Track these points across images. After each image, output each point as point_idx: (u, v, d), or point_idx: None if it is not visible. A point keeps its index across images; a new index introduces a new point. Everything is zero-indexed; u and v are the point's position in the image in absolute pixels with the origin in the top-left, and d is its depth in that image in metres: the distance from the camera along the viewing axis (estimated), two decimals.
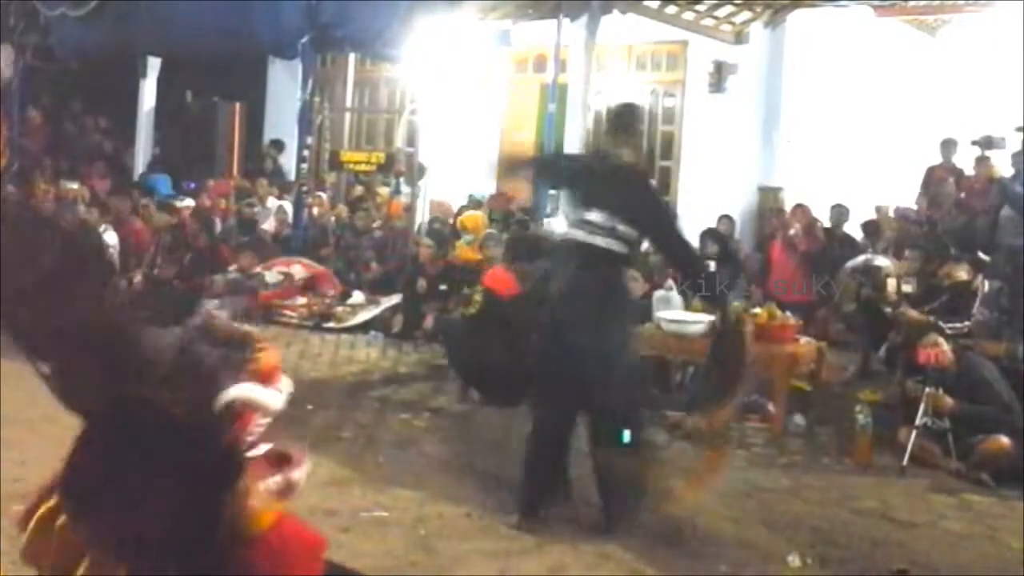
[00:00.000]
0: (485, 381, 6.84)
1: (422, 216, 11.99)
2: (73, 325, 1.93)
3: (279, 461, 2.25)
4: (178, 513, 1.95)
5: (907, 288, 7.99)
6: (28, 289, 1.95)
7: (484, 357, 6.63)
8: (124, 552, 2.00)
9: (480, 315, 6.85)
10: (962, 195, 10.73)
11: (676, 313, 7.35)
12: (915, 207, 10.91)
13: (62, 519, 2.10)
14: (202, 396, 1.96)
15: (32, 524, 2.20)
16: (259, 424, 2.22)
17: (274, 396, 2.22)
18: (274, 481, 2.24)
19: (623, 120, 5.07)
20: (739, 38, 12.10)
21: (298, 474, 2.24)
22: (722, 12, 11.75)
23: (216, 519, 1.97)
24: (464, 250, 10.11)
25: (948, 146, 11.07)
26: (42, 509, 2.20)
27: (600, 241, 4.71)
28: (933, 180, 11.07)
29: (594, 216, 4.72)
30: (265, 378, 2.19)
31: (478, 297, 6.96)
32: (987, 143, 10.15)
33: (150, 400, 1.92)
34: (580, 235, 4.77)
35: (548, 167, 5.40)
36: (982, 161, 10.45)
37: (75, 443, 2.11)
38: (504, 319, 6.66)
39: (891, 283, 8.12)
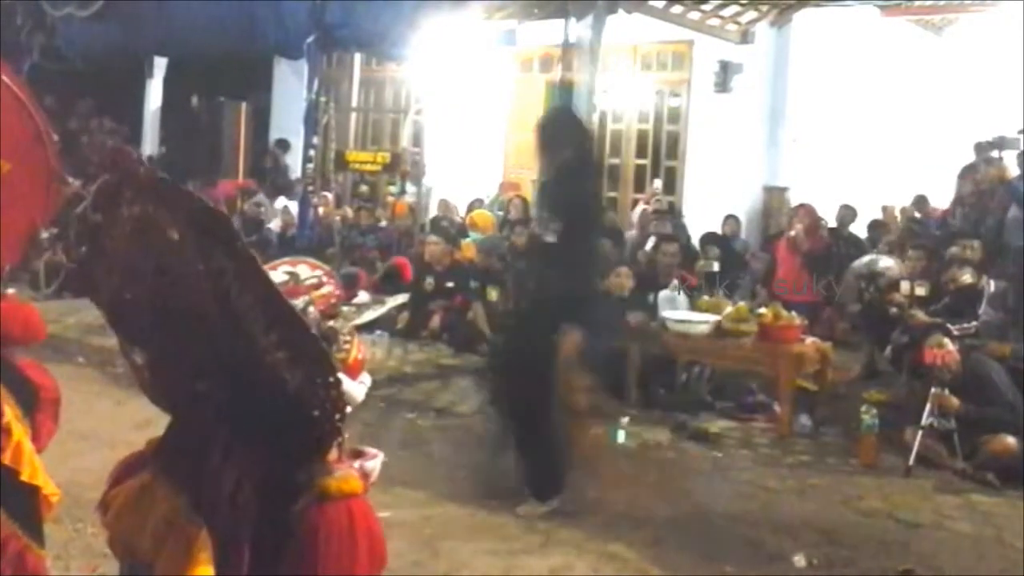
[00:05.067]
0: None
1: (427, 214, 12.01)
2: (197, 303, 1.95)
3: (355, 455, 2.39)
4: (266, 480, 2.08)
5: (920, 291, 7.96)
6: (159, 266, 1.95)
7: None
8: (211, 516, 2.09)
9: None
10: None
11: (681, 313, 7.35)
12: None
13: (160, 493, 2.16)
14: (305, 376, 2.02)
15: (121, 501, 2.25)
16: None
17: (358, 388, 2.35)
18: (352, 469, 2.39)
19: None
20: (745, 38, 12.09)
21: (372, 464, 2.37)
22: (728, 12, 11.74)
23: (298, 487, 2.10)
24: (471, 248, 10.12)
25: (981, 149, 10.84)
26: (130, 487, 2.25)
27: (549, 237, 4.99)
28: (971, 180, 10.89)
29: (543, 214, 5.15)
30: (351, 370, 2.31)
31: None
32: (1000, 143, 10.11)
33: (257, 374, 1.96)
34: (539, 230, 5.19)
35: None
36: (992, 161, 10.42)
37: (173, 420, 2.24)
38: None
39: (904, 286, 8.09)
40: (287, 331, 1.94)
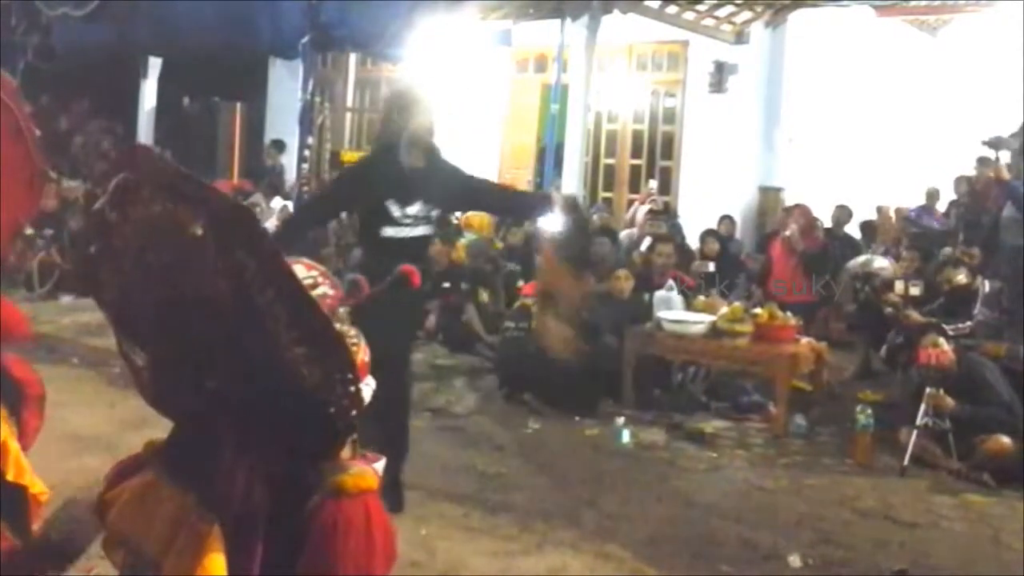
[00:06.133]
0: (560, 389, 6.94)
1: None
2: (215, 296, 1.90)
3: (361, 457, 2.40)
4: (279, 477, 2.07)
5: (915, 291, 7.97)
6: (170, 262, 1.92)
7: (557, 365, 6.82)
8: (223, 513, 2.08)
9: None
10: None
11: (677, 313, 7.35)
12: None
13: (166, 492, 2.14)
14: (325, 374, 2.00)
15: (125, 500, 2.22)
16: None
17: (364, 390, 2.35)
18: None
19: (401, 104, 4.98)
20: (740, 38, 12.11)
21: (375, 467, 2.36)
22: (723, 12, 11.76)
23: (311, 484, 2.09)
24: (460, 249, 10.11)
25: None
26: (134, 486, 2.23)
27: (421, 231, 4.89)
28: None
29: (414, 209, 4.85)
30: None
31: (535, 310, 7.13)
32: (997, 143, 10.12)
33: (274, 369, 1.93)
34: (405, 231, 4.85)
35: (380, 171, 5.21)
36: (985, 161, 10.43)
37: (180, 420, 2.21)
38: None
39: (899, 285, 8.11)
40: (309, 327, 1.92)
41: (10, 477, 2.70)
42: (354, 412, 2.03)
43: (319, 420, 2.01)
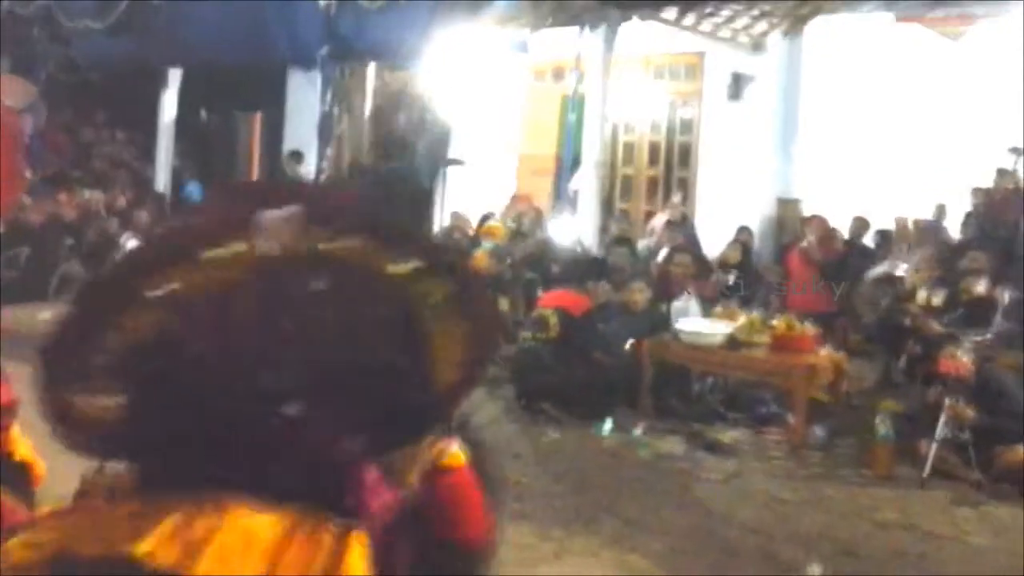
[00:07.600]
0: (578, 399, 6.97)
1: (439, 224, 12.05)
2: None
3: None
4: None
5: (936, 301, 7.93)
6: None
7: (575, 375, 6.89)
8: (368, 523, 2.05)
9: (561, 337, 7.15)
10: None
11: (694, 323, 7.34)
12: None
13: (256, 520, 2.08)
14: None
15: (215, 548, 2.15)
16: None
17: None
18: None
19: None
20: (757, 48, 12.09)
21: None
22: (740, 22, 11.75)
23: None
24: (483, 258, 10.13)
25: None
26: (177, 524, 2.18)
27: None
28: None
29: None
30: None
31: (553, 320, 7.19)
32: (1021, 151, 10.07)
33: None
34: None
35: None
36: (1004, 172, 10.37)
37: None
38: (583, 335, 7.20)
39: (921, 295, 8.07)
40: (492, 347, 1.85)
41: (18, 456, 2.72)
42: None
43: (418, 414, 1.93)
